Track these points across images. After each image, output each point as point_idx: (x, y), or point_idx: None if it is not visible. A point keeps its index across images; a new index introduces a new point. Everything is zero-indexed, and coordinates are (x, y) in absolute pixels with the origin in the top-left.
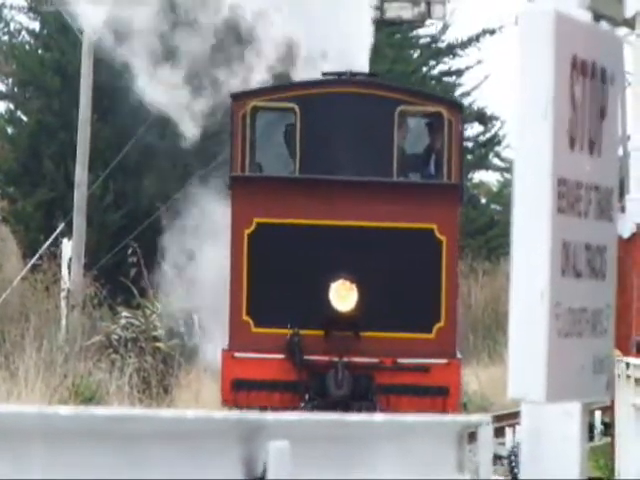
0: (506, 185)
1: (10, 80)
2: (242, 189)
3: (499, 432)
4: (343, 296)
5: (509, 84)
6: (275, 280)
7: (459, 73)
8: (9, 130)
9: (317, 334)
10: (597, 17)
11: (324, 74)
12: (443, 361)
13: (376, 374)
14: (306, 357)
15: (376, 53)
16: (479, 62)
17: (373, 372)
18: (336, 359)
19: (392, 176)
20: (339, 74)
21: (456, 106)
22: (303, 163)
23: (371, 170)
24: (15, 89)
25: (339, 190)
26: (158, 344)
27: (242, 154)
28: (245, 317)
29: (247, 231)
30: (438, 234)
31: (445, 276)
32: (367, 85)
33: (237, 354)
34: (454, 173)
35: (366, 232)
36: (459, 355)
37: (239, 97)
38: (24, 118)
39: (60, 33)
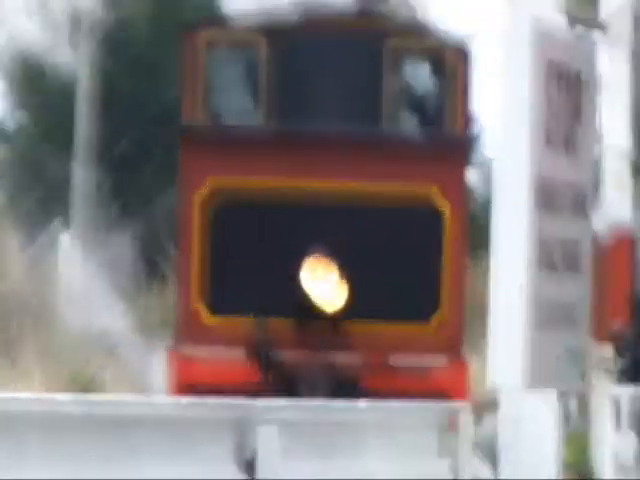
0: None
1: (10, 82)
2: (193, 143)
3: (478, 420)
4: (320, 276)
5: (488, 87)
6: (235, 257)
7: None
8: (9, 129)
9: (287, 324)
10: (572, 20)
11: (297, 4)
12: (444, 361)
13: (361, 377)
14: (274, 354)
15: None
16: None
17: (357, 374)
18: (311, 358)
19: (380, 128)
20: (316, 5)
21: (461, 45)
22: (271, 111)
23: (355, 121)
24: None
25: (315, 145)
26: None
27: (195, 99)
28: (196, 305)
29: (200, 195)
30: (438, 200)
31: (447, 254)
32: (349, 17)
33: (187, 352)
34: (459, 125)
35: (348, 195)
36: (465, 353)
37: (192, 28)
38: (23, 117)
39: (54, 30)
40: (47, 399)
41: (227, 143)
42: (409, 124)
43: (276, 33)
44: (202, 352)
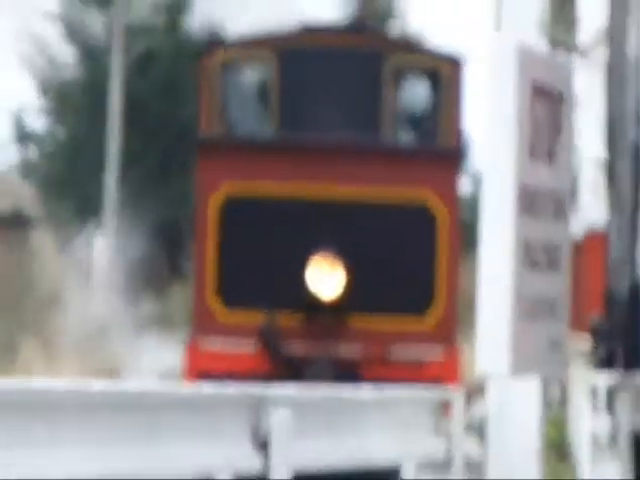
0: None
1: (50, 100)
2: (209, 151)
3: (468, 402)
4: (325, 274)
5: (476, 103)
6: (247, 255)
7: None
8: (48, 143)
9: (296, 319)
10: (553, 44)
11: (306, 24)
12: (438, 351)
13: (362, 365)
14: (282, 344)
15: None
16: None
17: (358, 363)
18: (316, 348)
19: (380, 139)
20: (323, 24)
21: (455, 60)
22: (281, 123)
23: (357, 132)
24: (53, 108)
25: (320, 154)
26: None
27: (211, 112)
28: (212, 300)
29: (215, 200)
30: (433, 203)
31: (441, 252)
32: (352, 36)
33: (203, 344)
34: (452, 135)
35: (350, 198)
36: (457, 344)
37: (208, 48)
38: (61, 132)
39: (90, 58)
40: (81, 385)
41: (240, 151)
42: (406, 133)
43: (284, 51)
44: (216, 342)
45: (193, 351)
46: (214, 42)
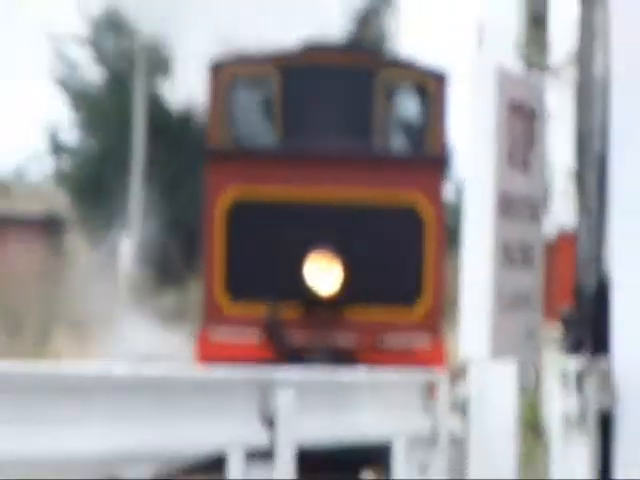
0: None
1: (80, 114)
2: (217, 158)
3: (452, 384)
4: (322, 270)
5: (459, 119)
6: (251, 252)
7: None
8: (79, 154)
9: (296, 311)
10: (528, 65)
11: (305, 43)
12: (426, 338)
13: (357, 352)
14: (285, 336)
15: None
16: None
17: (353, 350)
18: (317, 340)
19: (373, 147)
20: (320, 43)
21: (440, 75)
22: (282, 134)
23: (352, 141)
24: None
25: (318, 161)
26: None
27: (219, 124)
28: (220, 294)
29: (223, 204)
30: (421, 204)
31: (429, 250)
32: (347, 54)
33: (212, 334)
34: (438, 144)
35: (346, 200)
36: (442, 332)
37: (217, 65)
38: (91, 145)
39: (117, 79)
40: (106, 368)
41: (245, 158)
42: (397, 141)
43: (287, 68)
44: (224, 333)
45: (203, 340)
46: (222, 59)
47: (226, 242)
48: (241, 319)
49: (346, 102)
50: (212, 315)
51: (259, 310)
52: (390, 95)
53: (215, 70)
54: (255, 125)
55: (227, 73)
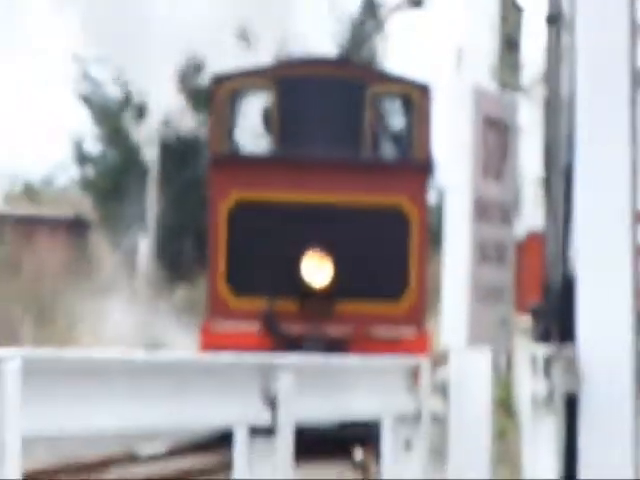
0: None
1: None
2: (220, 165)
3: (433, 368)
4: (316, 266)
5: (440, 133)
6: (252, 251)
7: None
8: (102, 163)
9: (292, 304)
10: (502, 85)
11: (300, 58)
12: (412, 332)
13: (348, 342)
14: (282, 327)
15: None
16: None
17: (345, 340)
18: (311, 330)
19: (363, 154)
20: (314, 58)
21: (424, 87)
22: (279, 141)
23: (343, 148)
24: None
25: (313, 167)
26: None
27: (221, 133)
28: (223, 289)
29: (225, 206)
30: (407, 207)
31: (413, 249)
32: (339, 67)
33: (215, 325)
34: (422, 150)
35: (337, 203)
36: (428, 326)
37: (218, 79)
38: (112, 155)
39: (135, 96)
40: (127, 354)
41: (245, 165)
42: (385, 148)
43: (282, 80)
44: (227, 324)
45: (207, 331)
46: (222, 74)
47: (228, 242)
48: (242, 312)
49: (338, 112)
50: (215, 308)
51: (259, 304)
52: (379, 105)
53: (216, 84)
54: (254, 134)
55: (227, 86)
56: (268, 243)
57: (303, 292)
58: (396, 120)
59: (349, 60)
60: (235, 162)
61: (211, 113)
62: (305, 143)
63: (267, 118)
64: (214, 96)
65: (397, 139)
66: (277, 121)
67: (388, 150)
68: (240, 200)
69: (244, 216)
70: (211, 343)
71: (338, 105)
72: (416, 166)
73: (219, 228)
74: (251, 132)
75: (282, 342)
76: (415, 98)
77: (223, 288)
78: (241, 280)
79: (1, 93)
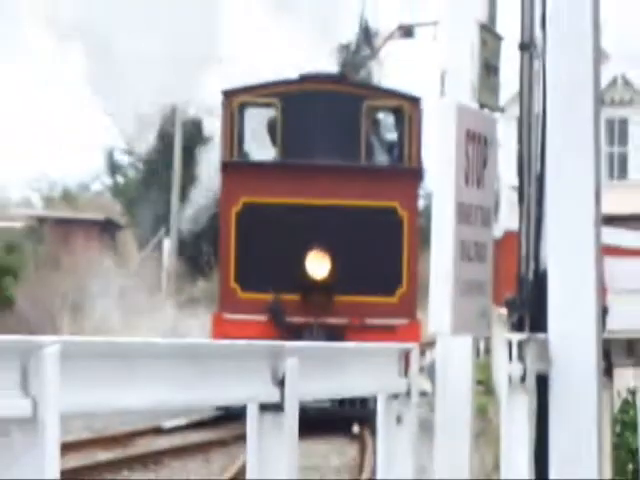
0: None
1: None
2: (230, 173)
3: (422, 353)
4: (318, 263)
5: (427, 146)
6: (259, 251)
7: None
8: (130, 173)
9: (295, 298)
10: (482, 106)
11: (302, 75)
12: (405, 322)
13: (347, 333)
14: (285, 317)
15: None
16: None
17: (344, 331)
18: (312, 320)
19: (360, 161)
20: (315, 74)
21: (415, 100)
22: (284, 150)
23: (342, 156)
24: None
25: (314, 173)
26: None
27: (231, 143)
28: (233, 284)
29: (235, 209)
30: (400, 210)
31: (406, 248)
32: (338, 83)
33: (226, 316)
34: (414, 158)
35: (337, 207)
36: (418, 316)
37: (228, 94)
38: (139, 165)
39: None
40: (151, 340)
41: (253, 172)
42: (380, 156)
43: (287, 95)
44: (236, 316)
45: (218, 323)
46: (232, 89)
47: (237, 241)
48: (250, 304)
49: (337, 124)
50: (226, 301)
51: (264, 297)
52: (374, 117)
53: (226, 98)
54: (260, 144)
55: (236, 100)
56: (273, 242)
57: (306, 286)
58: (390, 129)
59: (346, 76)
60: (243, 169)
61: (222, 124)
62: (307, 152)
63: (272, 129)
64: (224, 108)
65: (390, 148)
66: (282, 131)
67: (382, 158)
68: (248, 204)
69: (252, 218)
70: (222, 332)
71: (337, 117)
72: (408, 173)
73: (229, 229)
74: (258, 142)
75: (286, 331)
76: (406, 109)
77: (233, 283)
78: (249, 276)
79: (45, 111)
